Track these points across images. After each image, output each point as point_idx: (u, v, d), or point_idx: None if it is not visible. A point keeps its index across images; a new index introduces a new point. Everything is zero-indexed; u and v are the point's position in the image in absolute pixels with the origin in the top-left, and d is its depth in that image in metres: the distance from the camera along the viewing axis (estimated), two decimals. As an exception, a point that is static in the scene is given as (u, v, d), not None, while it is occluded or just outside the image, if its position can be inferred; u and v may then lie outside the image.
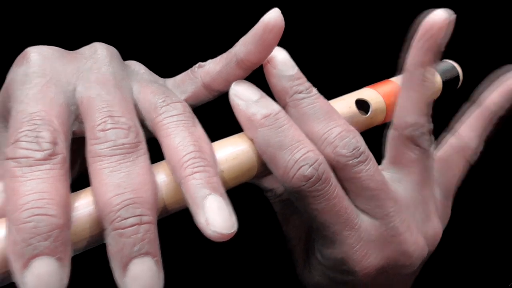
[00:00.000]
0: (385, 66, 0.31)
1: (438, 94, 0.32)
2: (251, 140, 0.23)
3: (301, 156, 0.22)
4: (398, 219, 0.24)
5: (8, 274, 0.17)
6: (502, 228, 0.48)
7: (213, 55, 0.25)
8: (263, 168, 0.24)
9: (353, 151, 0.23)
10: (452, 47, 0.31)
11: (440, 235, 0.27)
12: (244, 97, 0.23)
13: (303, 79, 0.24)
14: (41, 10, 0.35)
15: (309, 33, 0.37)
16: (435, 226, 0.27)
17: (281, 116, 0.23)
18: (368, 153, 0.24)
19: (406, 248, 0.25)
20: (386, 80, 0.30)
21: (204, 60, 0.26)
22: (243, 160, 0.23)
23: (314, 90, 0.25)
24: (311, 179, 0.22)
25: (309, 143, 0.23)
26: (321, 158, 0.23)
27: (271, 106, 0.23)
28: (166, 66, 0.27)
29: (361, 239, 0.24)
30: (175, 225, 0.23)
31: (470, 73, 0.33)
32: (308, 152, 0.22)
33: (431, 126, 0.26)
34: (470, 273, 0.47)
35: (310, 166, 0.22)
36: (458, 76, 0.33)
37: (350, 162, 0.23)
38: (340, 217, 0.23)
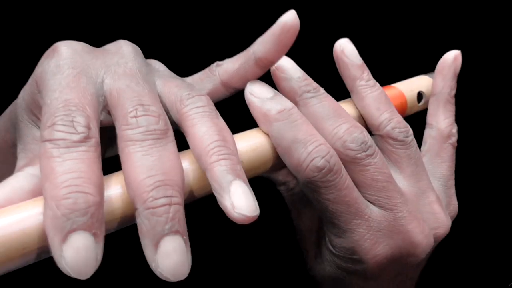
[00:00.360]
0: (389, 71, 0.33)
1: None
2: (267, 134, 0.25)
3: (313, 149, 0.23)
4: (405, 209, 0.26)
5: (42, 250, 0.18)
6: (502, 228, 0.49)
7: (221, 56, 0.27)
8: (278, 161, 0.25)
9: (361, 145, 0.25)
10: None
11: (447, 226, 0.28)
12: (259, 95, 0.25)
13: (310, 80, 0.26)
14: (57, 12, 0.36)
15: (313, 38, 0.39)
16: (438, 217, 0.28)
17: (294, 112, 0.24)
18: (375, 147, 0.25)
19: (413, 238, 0.26)
20: (388, 86, 0.32)
21: (213, 61, 0.27)
22: (260, 152, 0.24)
23: (322, 90, 0.26)
24: (323, 170, 0.23)
25: (321, 137, 0.24)
26: (332, 151, 0.24)
27: (285, 102, 0.25)
28: (176, 67, 0.28)
29: (370, 228, 0.25)
30: (191, 216, 0.24)
31: (463, 78, 0.35)
32: (320, 145, 0.24)
33: (396, 117, 0.27)
34: (470, 273, 0.48)
35: (322, 158, 0.23)
36: None
37: (359, 155, 0.25)
38: (350, 207, 0.24)
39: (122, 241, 0.26)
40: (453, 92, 0.32)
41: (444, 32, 0.46)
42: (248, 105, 0.25)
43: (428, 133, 0.32)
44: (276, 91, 0.25)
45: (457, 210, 0.31)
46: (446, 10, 0.46)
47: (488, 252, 0.49)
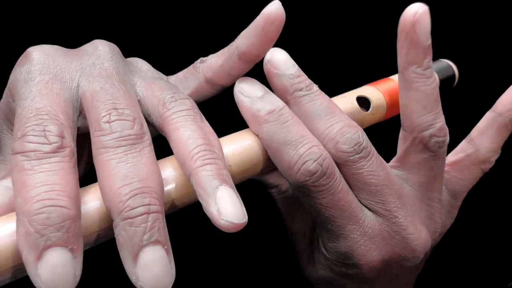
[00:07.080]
0: (385, 64, 0.31)
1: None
2: (257, 135, 0.23)
3: (305, 151, 0.22)
4: (401, 214, 0.24)
5: (17, 268, 0.17)
6: (502, 228, 0.48)
7: (213, 51, 0.25)
8: (269, 163, 0.24)
9: (355, 147, 0.23)
10: (449, 47, 0.31)
11: (442, 233, 0.28)
12: (249, 94, 0.24)
13: (303, 76, 0.24)
14: (42, 11, 0.35)
15: (309, 31, 0.37)
16: (436, 226, 0.27)
17: (285, 112, 0.23)
18: (371, 148, 0.24)
19: (409, 242, 0.25)
20: (386, 78, 0.31)
21: (205, 55, 0.26)
22: (249, 155, 0.23)
23: (315, 87, 0.25)
24: (316, 174, 0.22)
25: (314, 138, 0.23)
26: (325, 153, 0.23)
27: (276, 102, 0.23)
28: (167, 64, 0.27)
29: (365, 233, 0.24)
30: (181, 222, 0.23)
31: (466, 72, 0.34)
32: (312, 147, 0.22)
33: (440, 123, 0.24)
34: (470, 273, 0.47)
35: (315, 161, 0.22)
36: (454, 75, 0.33)
37: (352, 157, 0.23)
38: (345, 212, 0.23)
39: (103, 256, 0.25)
40: None
41: (441, 20, 0.45)
42: (237, 105, 0.24)
43: (465, 147, 0.29)
44: (267, 89, 0.24)
45: (453, 219, 0.30)
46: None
47: (488, 252, 0.48)
